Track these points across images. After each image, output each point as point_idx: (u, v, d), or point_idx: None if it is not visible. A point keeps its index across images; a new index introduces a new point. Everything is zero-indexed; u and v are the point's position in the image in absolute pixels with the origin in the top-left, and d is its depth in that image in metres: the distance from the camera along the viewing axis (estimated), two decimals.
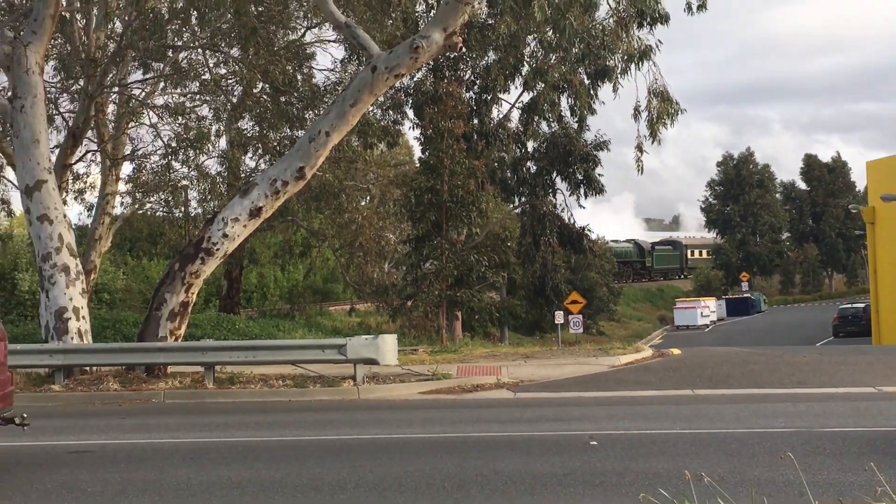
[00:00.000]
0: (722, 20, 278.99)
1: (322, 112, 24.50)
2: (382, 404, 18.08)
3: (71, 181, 28.66)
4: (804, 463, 8.66)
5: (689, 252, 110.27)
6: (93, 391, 19.66)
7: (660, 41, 21.84)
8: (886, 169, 45.71)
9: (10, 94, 21.57)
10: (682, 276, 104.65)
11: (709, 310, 73.88)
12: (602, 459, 11.02)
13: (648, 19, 21.40)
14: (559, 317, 34.92)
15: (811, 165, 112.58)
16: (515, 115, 42.88)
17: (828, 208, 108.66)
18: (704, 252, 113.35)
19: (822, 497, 7.07)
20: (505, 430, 13.96)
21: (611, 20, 21.78)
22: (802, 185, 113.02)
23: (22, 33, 21.43)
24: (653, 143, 21.31)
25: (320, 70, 30.57)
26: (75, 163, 28.55)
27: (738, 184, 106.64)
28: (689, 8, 19.85)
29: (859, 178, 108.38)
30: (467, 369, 22.35)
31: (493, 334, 38.84)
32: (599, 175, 43.82)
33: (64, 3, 22.58)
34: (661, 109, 20.97)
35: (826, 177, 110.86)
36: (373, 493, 9.78)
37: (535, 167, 44.61)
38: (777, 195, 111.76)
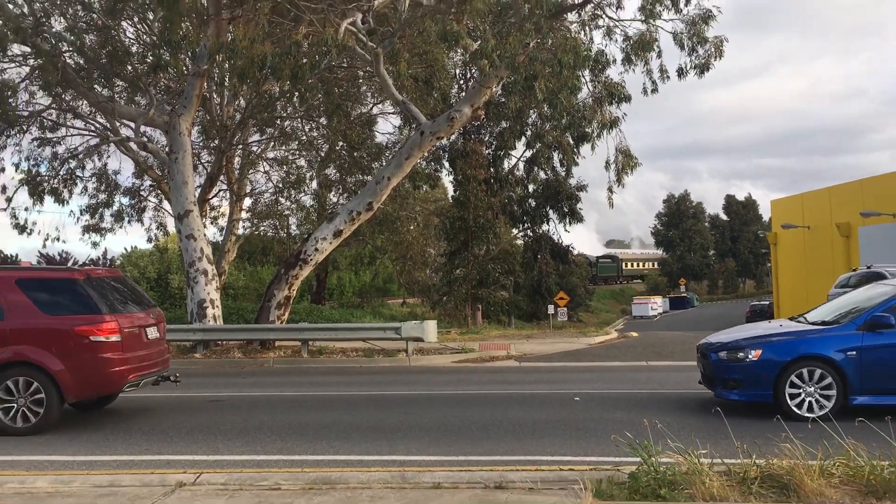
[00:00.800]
0: (667, 99, 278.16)
1: (384, 163, 24.59)
2: (426, 369, 18.07)
3: (208, 211, 28.87)
4: (730, 414, 8.59)
5: (623, 264, 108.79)
6: (223, 358, 19.80)
7: (625, 114, 21.74)
8: (785, 206, 45.40)
9: (167, 149, 21.78)
10: (618, 282, 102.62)
11: (657, 305, 73.16)
12: (583, 411, 10.98)
13: (616, 99, 21.33)
14: (551, 309, 34.79)
15: (730, 203, 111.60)
16: (521, 165, 43.06)
17: (742, 233, 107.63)
18: (635, 264, 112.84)
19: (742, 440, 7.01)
20: (513, 388, 13.92)
21: (589, 99, 21.73)
22: (724, 217, 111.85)
23: (176, 107, 21.65)
24: (619, 186, 21.23)
25: (383, 133, 30.81)
26: (211, 198, 28.76)
27: (678, 215, 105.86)
28: (645, 91, 19.79)
29: (765, 212, 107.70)
30: (486, 345, 22.30)
31: (504, 321, 38.61)
32: (580, 209, 44.08)
33: (205, 87, 22.78)
34: (624, 163, 20.86)
35: (741, 211, 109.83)
36: (421, 431, 9.79)
37: (534, 203, 44.75)
38: (706, 224, 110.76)
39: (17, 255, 33.95)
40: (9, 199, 25.17)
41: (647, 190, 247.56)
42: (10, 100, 22.46)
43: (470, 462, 8.08)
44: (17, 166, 25.60)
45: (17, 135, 24.61)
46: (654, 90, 19.72)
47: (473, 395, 13.24)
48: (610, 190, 21.40)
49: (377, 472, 7.60)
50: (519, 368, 17.91)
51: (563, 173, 41.52)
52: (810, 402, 9.99)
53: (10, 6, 21.05)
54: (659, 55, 19.20)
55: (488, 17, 17.70)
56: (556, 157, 39.84)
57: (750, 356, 10.37)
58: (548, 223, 44.89)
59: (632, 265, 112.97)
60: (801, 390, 10.05)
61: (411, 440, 9.28)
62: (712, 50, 18.59)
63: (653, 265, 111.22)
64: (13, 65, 23.15)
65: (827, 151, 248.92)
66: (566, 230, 45.59)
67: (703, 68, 18.79)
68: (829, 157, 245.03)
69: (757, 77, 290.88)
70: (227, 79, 22.46)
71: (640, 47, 18.91)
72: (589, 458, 8.11)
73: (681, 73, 19.05)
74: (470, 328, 30.16)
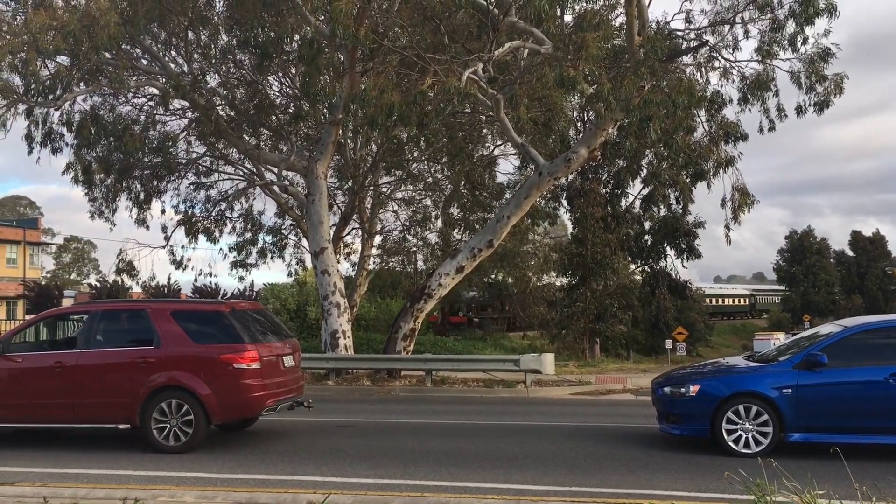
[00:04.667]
0: (784, 136, 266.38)
1: (504, 202, 24.72)
2: (544, 401, 17.90)
3: (342, 248, 29.65)
4: (850, 456, 8.08)
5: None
6: (353, 386, 20.23)
7: (740, 152, 21.18)
8: None
9: (306, 192, 22.66)
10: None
11: (780, 341, 69.77)
12: (697, 447, 10.55)
13: (732, 138, 20.80)
14: (669, 343, 33.79)
15: (857, 239, 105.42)
16: (637, 203, 42.29)
17: (870, 270, 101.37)
18: (716, 300, 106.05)
19: None
20: (628, 422, 13.59)
21: (705, 139, 21.23)
22: (850, 253, 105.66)
23: (314, 153, 22.55)
24: (735, 223, 20.57)
25: (503, 173, 30.93)
26: (345, 236, 29.52)
27: (801, 251, 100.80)
28: (762, 129, 19.15)
29: (894, 248, 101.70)
30: (603, 378, 21.88)
31: (622, 355, 37.82)
32: (697, 245, 42.87)
33: (340, 134, 23.63)
34: (741, 200, 20.22)
35: (868, 247, 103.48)
36: (536, 461, 9.71)
37: (651, 239, 43.82)
38: (831, 260, 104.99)
39: (180, 288, 35.87)
40: (167, 238, 26.80)
41: (765, 225, 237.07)
42: (171, 149, 24.08)
43: (583, 493, 7.95)
44: (175, 208, 27.33)
45: (176, 180, 26.29)
46: (772, 128, 19.08)
47: (589, 427, 13.01)
48: (727, 227, 20.74)
49: (494, 499, 7.60)
50: (635, 402, 17.45)
51: (680, 211, 40.49)
52: (747, 439, 9.75)
53: (172, 66, 22.63)
54: (776, 94, 18.62)
55: (604, 62, 17.62)
56: (672, 194, 38.93)
57: (689, 391, 10.16)
58: (665, 259, 43.81)
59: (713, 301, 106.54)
60: (737, 426, 9.80)
61: (527, 469, 9.22)
62: (831, 87, 17.84)
63: (735, 300, 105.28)
64: (174, 118, 24.85)
65: None
66: (684, 266, 44.27)
67: (822, 105, 18.05)
68: None
69: (878, 112, 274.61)
70: (359, 126, 23.27)
71: (756, 87, 18.39)
72: (702, 495, 7.83)
73: (799, 111, 18.36)
74: (587, 361, 29.70)
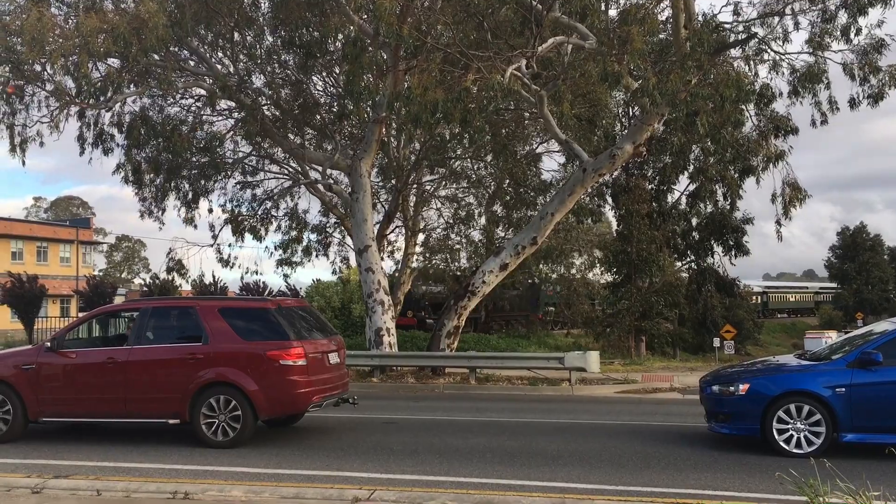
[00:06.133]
0: (836, 129, 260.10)
1: (548, 199, 24.61)
2: (589, 399, 17.76)
3: (386, 246, 29.79)
4: None
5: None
6: (397, 383, 20.30)
7: (791, 147, 20.76)
8: None
9: (350, 190, 22.80)
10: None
11: (832, 339, 68.20)
12: (747, 446, 10.37)
13: (783, 132, 20.39)
14: (717, 341, 33.25)
15: None
16: (683, 199, 41.72)
17: None
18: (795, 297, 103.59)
19: None
20: (675, 421, 13.39)
21: (754, 133, 20.85)
22: None
23: (357, 151, 22.68)
24: (786, 219, 20.17)
25: (547, 170, 30.83)
26: (388, 234, 29.67)
27: (854, 248, 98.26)
28: (813, 123, 18.74)
29: None
30: (649, 377, 21.63)
31: (668, 353, 37.28)
32: (746, 242, 42.11)
33: (384, 132, 23.74)
34: (792, 195, 19.83)
35: None
36: (582, 459, 9.64)
37: (698, 236, 43.21)
38: (885, 256, 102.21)
39: (226, 286, 36.39)
40: (215, 237, 27.23)
41: (816, 222, 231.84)
42: (218, 149, 24.46)
43: (630, 493, 7.87)
44: (222, 207, 27.76)
45: (223, 179, 26.71)
46: (824, 121, 18.65)
47: (635, 425, 12.87)
48: (777, 223, 20.37)
49: (538, 497, 7.57)
50: (683, 401, 17.18)
51: (728, 207, 39.76)
52: (798, 439, 9.55)
53: (219, 66, 22.97)
54: (827, 86, 18.17)
55: (649, 57, 17.41)
56: (719, 190, 38.25)
57: (739, 390, 9.97)
58: (712, 256, 43.08)
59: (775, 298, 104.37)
60: (789, 426, 9.60)
61: (572, 467, 9.16)
62: (886, 79, 17.37)
63: (799, 297, 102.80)
64: (220, 118, 25.26)
65: None
66: (732, 263, 43.44)
67: (876, 98, 17.59)
68: None
69: None
70: (403, 124, 23.34)
71: (807, 79, 17.98)
72: (752, 495, 7.70)
73: (852, 103, 17.92)
74: (633, 360, 29.37)
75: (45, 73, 20.08)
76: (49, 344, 11.35)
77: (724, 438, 10.61)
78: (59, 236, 61.50)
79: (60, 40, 18.46)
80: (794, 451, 9.50)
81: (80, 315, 31.36)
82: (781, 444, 9.61)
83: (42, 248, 59.17)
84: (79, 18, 19.06)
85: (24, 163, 21.59)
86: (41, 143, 21.55)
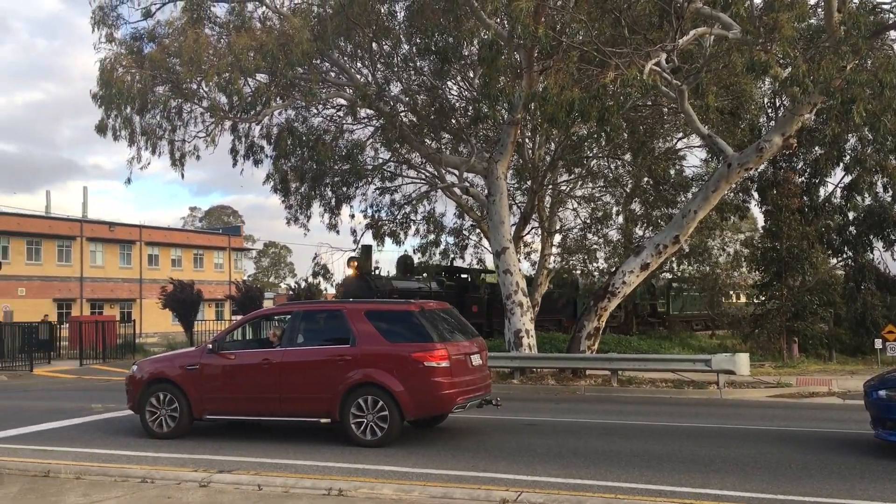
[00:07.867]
0: None
1: (691, 196, 23.83)
2: (739, 403, 17.00)
3: (522, 247, 29.76)
4: None
5: None
6: (538, 385, 20.20)
7: None
8: None
9: (486, 192, 22.92)
10: None
11: None
12: None
13: None
14: (878, 343, 31.06)
15: None
16: (838, 192, 39.29)
17: None
18: None
19: None
20: (836, 427, 12.58)
21: None
22: None
23: (493, 154, 22.78)
24: None
25: (688, 167, 29.68)
26: (525, 235, 29.66)
27: None
28: None
29: None
30: (804, 380, 20.49)
31: (823, 355, 35.16)
32: None
33: (519, 133, 23.73)
34: None
35: None
36: (736, 466, 9.25)
37: (855, 231, 40.58)
38: None
39: None
40: (356, 241, 28.10)
41: None
42: (359, 156, 25.25)
43: (792, 503, 7.48)
44: (363, 213, 28.65)
45: (364, 186, 27.56)
46: None
47: (792, 431, 12.21)
48: None
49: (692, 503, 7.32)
50: (843, 406, 16.18)
51: (889, 199, 37.08)
52: None
53: (358, 76, 23.71)
54: None
55: (798, 44, 16.50)
56: (879, 181, 35.72)
57: None
58: (871, 252, 40.29)
59: None
60: None
61: (726, 474, 8.81)
62: None
63: None
64: (360, 126, 26.09)
65: None
66: (894, 259, 40.45)
67: None
68: None
69: None
70: (539, 125, 23.24)
71: None
72: None
73: None
74: (785, 362, 27.91)
75: (201, 90, 21.42)
76: (210, 346, 12.05)
77: (893, 447, 9.89)
78: (213, 244, 65.56)
79: (214, 59, 19.62)
80: None
81: (236, 318, 33.15)
82: None
83: (198, 255, 63.28)
84: (230, 37, 20.22)
85: (182, 175, 23.36)
86: (198, 157, 23.16)
